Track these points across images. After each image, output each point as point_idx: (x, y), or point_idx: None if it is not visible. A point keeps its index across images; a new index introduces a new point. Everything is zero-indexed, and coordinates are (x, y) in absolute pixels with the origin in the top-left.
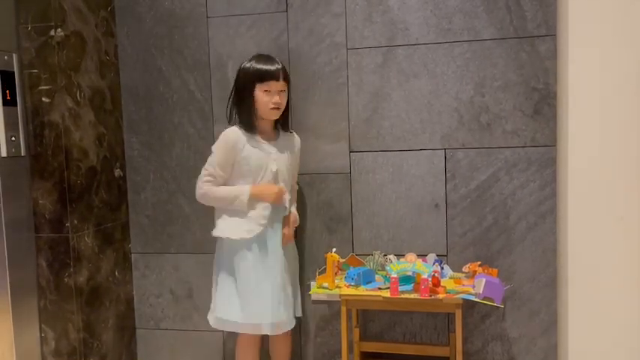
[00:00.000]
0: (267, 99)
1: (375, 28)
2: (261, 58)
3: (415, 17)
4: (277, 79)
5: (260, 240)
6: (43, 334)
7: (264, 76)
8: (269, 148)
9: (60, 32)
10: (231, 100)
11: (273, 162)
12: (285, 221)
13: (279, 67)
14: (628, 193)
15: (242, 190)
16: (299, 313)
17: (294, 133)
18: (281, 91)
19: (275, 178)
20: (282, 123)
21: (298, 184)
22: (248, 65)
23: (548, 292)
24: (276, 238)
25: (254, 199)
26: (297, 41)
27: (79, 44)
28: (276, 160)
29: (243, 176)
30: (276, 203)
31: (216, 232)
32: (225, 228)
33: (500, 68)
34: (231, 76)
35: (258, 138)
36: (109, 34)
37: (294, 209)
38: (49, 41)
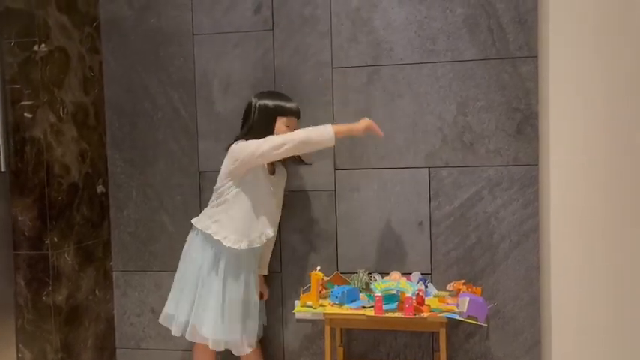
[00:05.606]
0: (285, 132)
1: (361, 48)
2: (278, 95)
3: (400, 38)
4: (298, 117)
5: (238, 255)
6: (20, 355)
7: (287, 113)
8: (270, 180)
9: (44, 48)
10: (249, 132)
11: (271, 195)
12: (262, 282)
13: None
14: (609, 210)
15: (325, 128)
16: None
17: (284, 167)
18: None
19: (266, 210)
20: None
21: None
22: (268, 102)
23: (531, 310)
24: (253, 259)
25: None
26: (282, 60)
27: (63, 60)
28: (274, 193)
29: (242, 200)
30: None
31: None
32: (227, 235)
33: (483, 89)
34: (217, 94)
35: (265, 170)
36: (94, 50)
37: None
38: (32, 56)
